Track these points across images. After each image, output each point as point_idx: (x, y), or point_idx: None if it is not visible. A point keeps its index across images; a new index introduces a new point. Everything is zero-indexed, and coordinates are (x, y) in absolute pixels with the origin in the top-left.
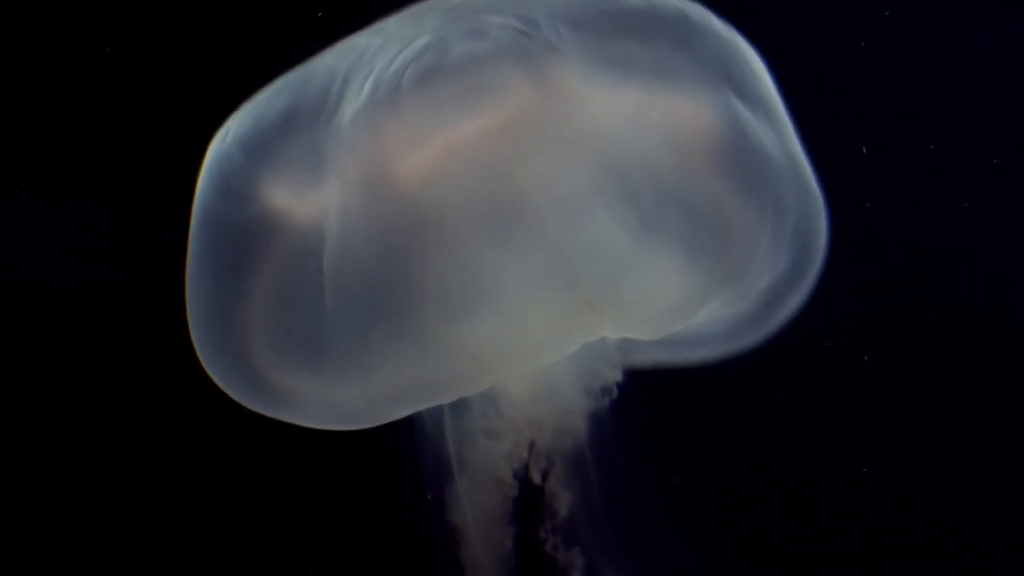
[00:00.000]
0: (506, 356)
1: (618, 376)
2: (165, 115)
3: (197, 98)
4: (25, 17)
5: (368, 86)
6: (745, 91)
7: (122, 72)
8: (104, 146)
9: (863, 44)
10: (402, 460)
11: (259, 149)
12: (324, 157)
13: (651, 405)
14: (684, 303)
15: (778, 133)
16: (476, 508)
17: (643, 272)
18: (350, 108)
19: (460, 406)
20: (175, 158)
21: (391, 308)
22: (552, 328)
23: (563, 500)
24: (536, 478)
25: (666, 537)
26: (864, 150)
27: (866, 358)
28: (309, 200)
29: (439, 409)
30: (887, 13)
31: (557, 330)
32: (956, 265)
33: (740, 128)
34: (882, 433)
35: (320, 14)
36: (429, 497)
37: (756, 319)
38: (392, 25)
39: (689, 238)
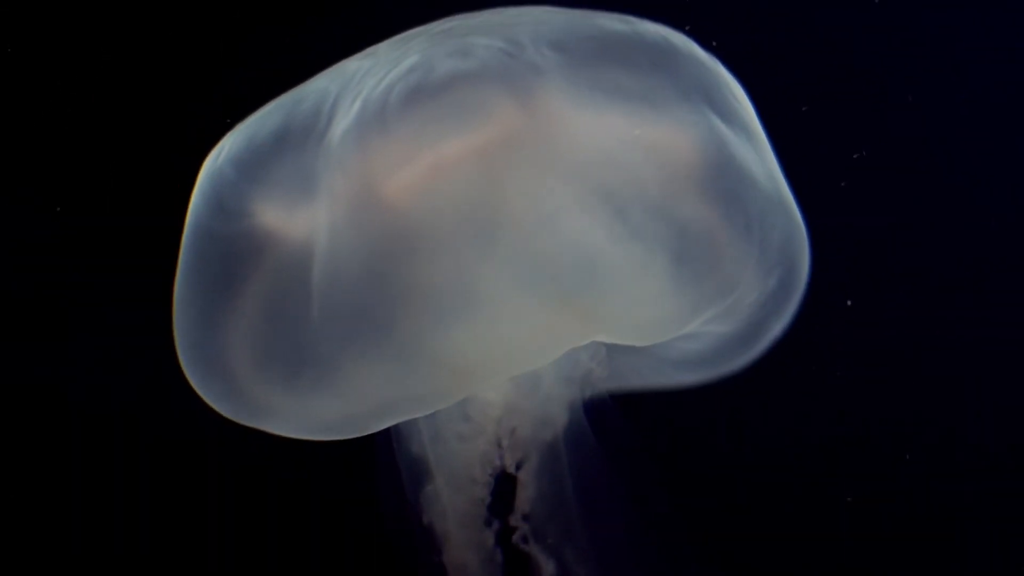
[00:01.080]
0: (493, 368)
1: (600, 369)
2: (160, 138)
3: (191, 121)
4: (27, 30)
5: (357, 105)
6: (727, 114)
7: (118, 93)
8: (99, 164)
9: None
10: (377, 463)
11: (251, 167)
12: (314, 174)
13: (636, 426)
14: (672, 315)
15: (759, 154)
16: (453, 508)
17: (631, 285)
18: (340, 127)
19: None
20: (169, 179)
21: (378, 322)
22: (540, 340)
23: (534, 493)
24: (511, 469)
25: (636, 542)
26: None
27: (850, 381)
28: (299, 216)
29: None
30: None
31: (545, 342)
32: (941, 289)
33: (723, 148)
34: (866, 457)
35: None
36: (406, 499)
37: (743, 340)
38: (383, 49)
39: (677, 253)
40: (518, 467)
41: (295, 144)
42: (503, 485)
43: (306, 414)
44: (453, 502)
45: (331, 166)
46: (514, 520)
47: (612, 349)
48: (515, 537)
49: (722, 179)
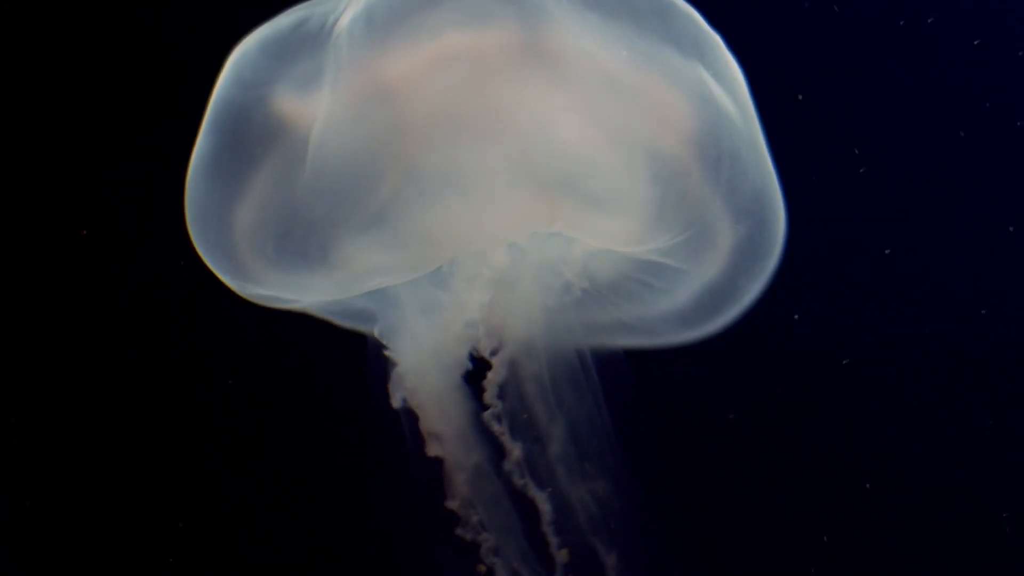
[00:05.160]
0: (467, 238)
1: (578, 278)
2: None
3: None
4: (26, 27)
5: None
6: (715, 69)
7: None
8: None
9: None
10: (363, 349)
11: (270, 44)
12: (324, 52)
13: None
14: (632, 227)
15: (741, 109)
16: (432, 386)
17: (598, 184)
18: (352, 11)
19: (421, 291)
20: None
21: (361, 184)
22: (509, 214)
23: (506, 380)
24: (487, 354)
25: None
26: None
27: (821, 354)
28: (308, 88)
29: (400, 293)
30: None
31: (514, 216)
32: (919, 271)
33: (706, 92)
34: (841, 431)
35: None
36: (389, 379)
37: (720, 295)
38: None
39: (647, 163)
40: (493, 353)
41: (312, 27)
42: (481, 368)
43: (296, 275)
44: (432, 380)
45: (339, 43)
46: (488, 400)
47: (589, 299)
48: (487, 415)
49: (701, 113)
